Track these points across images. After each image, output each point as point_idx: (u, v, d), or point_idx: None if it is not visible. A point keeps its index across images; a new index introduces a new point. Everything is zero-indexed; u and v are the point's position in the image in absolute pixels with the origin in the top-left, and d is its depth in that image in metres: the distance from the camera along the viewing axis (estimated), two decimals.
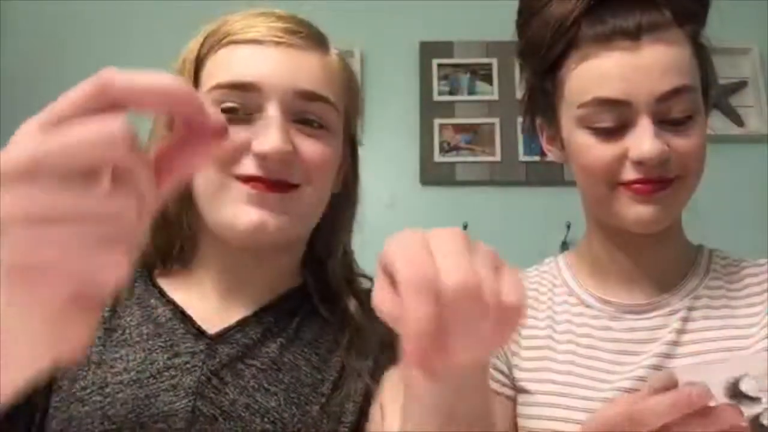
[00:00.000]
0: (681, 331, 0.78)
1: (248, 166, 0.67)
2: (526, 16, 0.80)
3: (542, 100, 0.82)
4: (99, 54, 2.09)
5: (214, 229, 0.71)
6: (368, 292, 0.80)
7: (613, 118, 0.73)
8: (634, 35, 0.72)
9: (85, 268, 0.32)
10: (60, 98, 0.34)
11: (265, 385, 0.68)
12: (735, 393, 0.51)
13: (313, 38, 0.74)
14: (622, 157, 0.73)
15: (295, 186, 0.69)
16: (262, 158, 0.66)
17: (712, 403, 0.50)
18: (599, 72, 0.73)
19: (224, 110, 0.67)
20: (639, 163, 0.72)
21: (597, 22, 0.73)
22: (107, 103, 0.33)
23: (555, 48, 0.76)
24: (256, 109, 0.68)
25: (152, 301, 0.73)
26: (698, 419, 0.49)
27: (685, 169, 0.73)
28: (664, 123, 0.72)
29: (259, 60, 0.69)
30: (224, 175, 0.67)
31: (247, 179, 0.67)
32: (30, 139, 0.32)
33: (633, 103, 0.71)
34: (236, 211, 0.67)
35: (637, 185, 0.73)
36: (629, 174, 0.73)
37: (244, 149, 0.67)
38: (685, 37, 0.74)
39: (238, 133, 0.67)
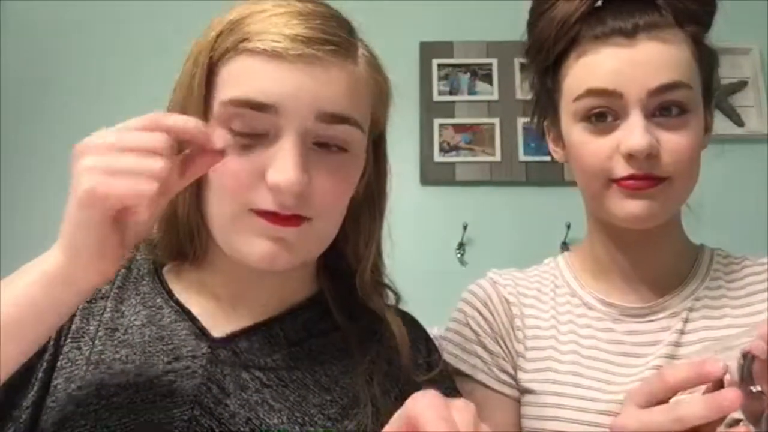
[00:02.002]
0: (682, 332, 0.78)
1: (264, 200, 0.63)
2: (535, 16, 0.81)
3: (546, 100, 0.83)
4: (99, 54, 2.09)
5: (225, 251, 0.68)
6: (396, 309, 0.79)
7: (606, 110, 0.74)
8: (630, 33, 0.73)
9: (127, 195, 0.53)
10: (124, 123, 0.56)
11: (269, 401, 0.65)
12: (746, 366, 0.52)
13: (341, 46, 0.66)
14: (614, 152, 0.74)
15: (307, 219, 0.65)
16: (276, 191, 0.62)
17: (726, 378, 0.53)
18: (593, 65, 0.74)
19: (240, 133, 0.63)
20: (629, 157, 0.72)
21: (597, 23, 0.75)
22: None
23: (557, 46, 0.78)
24: (272, 129, 0.63)
25: (158, 300, 0.72)
26: (706, 390, 0.53)
27: (674, 170, 0.73)
28: (657, 118, 0.73)
29: (279, 79, 0.62)
30: (238, 205, 0.64)
31: (261, 213, 0.63)
32: (105, 133, 0.55)
33: (624, 95, 0.72)
34: (249, 242, 0.64)
35: (629, 181, 0.73)
36: (621, 170, 0.73)
37: (257, 178, 0.63)
38: (685, 38, 0.75)
39: (252, 163, 0.63)
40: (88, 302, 0.71)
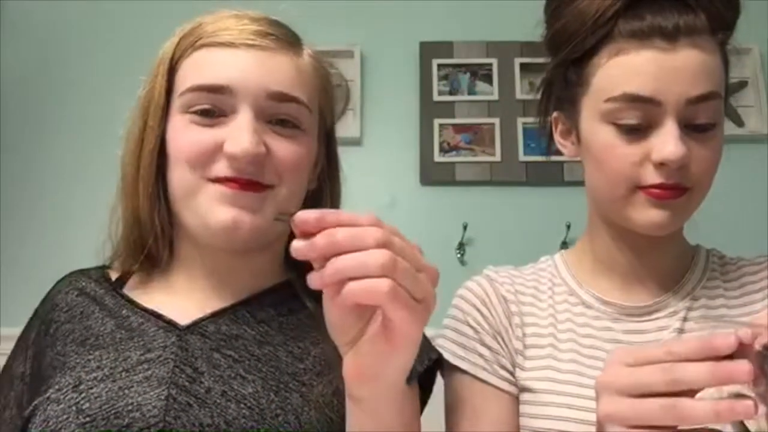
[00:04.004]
0: (681, 331, 0.78)
1: (221, 168, 0.69)
2: (557, 4, 0.79)
3: (563, 92, 0.81)
4: (99, 54, 2.09)
5: (189, 229, 0.73)
6: None
7: (640, 116, 0.72)
8: (671, 36, 0.71)
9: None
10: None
11: (242, 373, 0.68)
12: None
13: (286, 40, 0.75)
14: (644, 159, 0.73)
15: (269, 187, 0.70)
16: (233, 159, 0.68)
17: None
18: (632, 68, 0.72)
19: (198, 112, 0.70)
20: (660, 165, 0.72)
21: (635, 18, 0.73)
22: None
23: (588, 39, 0.75)
24: (229, 111, 0.70)
25: (123, 311, 0.75)
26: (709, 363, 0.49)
27: (698, 180, 0.74)
28: (688, 128, 0.72)
29: (231, 63, 0.71)
30: (198, 177, 0.69)
31: (220, 180, 0.69)
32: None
33: (663, 103, 0.71)
34: (210, 210, 0.69)
35: (656, 190, 0.72)
36: (650, 178, 0.72)
37: (216, 151, 0.69)
38: (716, 46, 0.74)
39: (211, 135, 0.69)
40: (45, 333, 0.75)
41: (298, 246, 0.50)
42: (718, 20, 0.74)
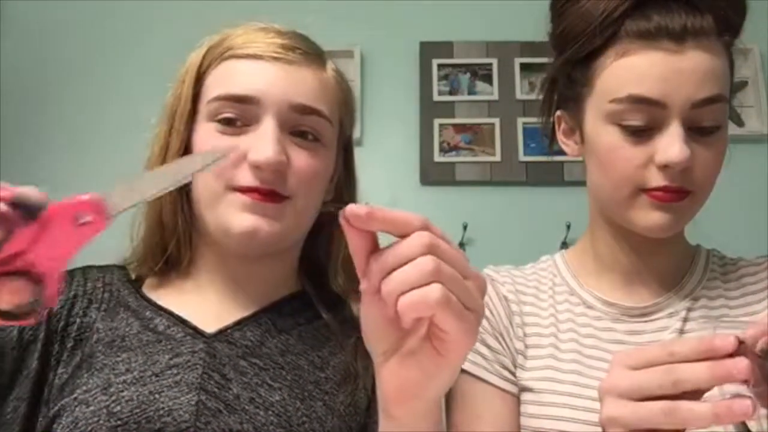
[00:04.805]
0: (681, 332, 0.78)
1: (244, 177, 0.70)
2: (563, 3, 0.78)
3: (568, 91, 0.81)
4: (99, 55, 2.09)
5: (210, 234, 0.74)
6: None
7: (645, 118, 0.72)
8: (678, 37, 0.71)
9: None
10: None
11: (269, 381, 0.70)
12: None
13: (310, 54, 0.77)
14: (648, 161, 0.72)
15: (287, 197, 0.72)
16: (256, 167, 0.70)
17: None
18: (638, 69, 0.72)
19: (223, 120, 0.72)
20: (664, 168, 0.71)
21: (642, 18, 0.72)
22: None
23: (595, 39, 0.75)
24: (253, 120, 0.72)
25: (147, 313, 0.75)
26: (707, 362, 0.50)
27: (701, 184, 0.74)
28: (693, 131, 0.72)
29: (258, 74, 0.73)
30: (222, 185, 0.71)
31: (242, 190, 0.70)
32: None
33: (668, 105, 0.71)
34: (232, 217, 0.71)
35: (660, 192, 0.72)
36: (654, 180, 0.72)
37: (240, 159, 0.70)
38: (723, 48, 0.74)
39: (236, 144, 0.71)
40: (77, 331, 0.73)
41: (361, 288, 0.50)
42: (725, 22, 0.74)
